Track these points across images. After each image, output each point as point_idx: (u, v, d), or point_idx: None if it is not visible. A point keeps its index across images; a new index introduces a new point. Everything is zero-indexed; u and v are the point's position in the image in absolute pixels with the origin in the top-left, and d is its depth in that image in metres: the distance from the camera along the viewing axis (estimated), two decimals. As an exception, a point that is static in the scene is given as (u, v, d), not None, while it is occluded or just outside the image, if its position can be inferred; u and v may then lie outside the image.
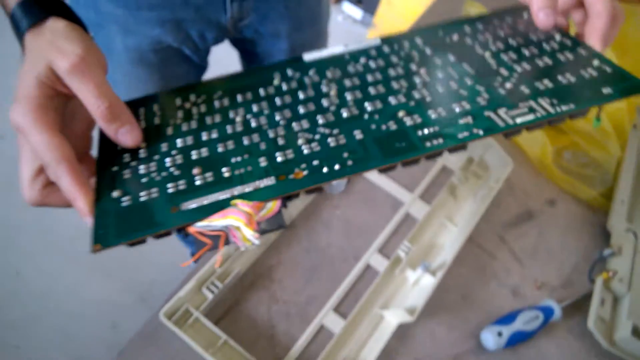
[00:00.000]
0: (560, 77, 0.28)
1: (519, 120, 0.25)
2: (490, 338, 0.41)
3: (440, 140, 0.24)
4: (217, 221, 0.21)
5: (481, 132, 0.25)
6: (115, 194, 0.23)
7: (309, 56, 0.31)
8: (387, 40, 0.32)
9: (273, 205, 0.22)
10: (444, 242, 0.46)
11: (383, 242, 0.46)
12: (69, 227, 1.14)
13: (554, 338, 0.43)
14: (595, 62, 0.28)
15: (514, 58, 0.30)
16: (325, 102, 0.27)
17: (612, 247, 0.47)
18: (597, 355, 0.43)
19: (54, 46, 0.24)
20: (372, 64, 0.30)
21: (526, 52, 0.30)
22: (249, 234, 0.21)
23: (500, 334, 0.41)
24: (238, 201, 0.22)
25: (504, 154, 0.48)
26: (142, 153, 0.26)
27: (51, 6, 0.26)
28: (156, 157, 0.25)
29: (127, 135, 0.25)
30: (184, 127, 0.27)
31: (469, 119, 0.25)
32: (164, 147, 0.26)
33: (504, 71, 0.28)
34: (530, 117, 0.25)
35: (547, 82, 0.27)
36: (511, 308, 0.44)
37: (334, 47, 0.32)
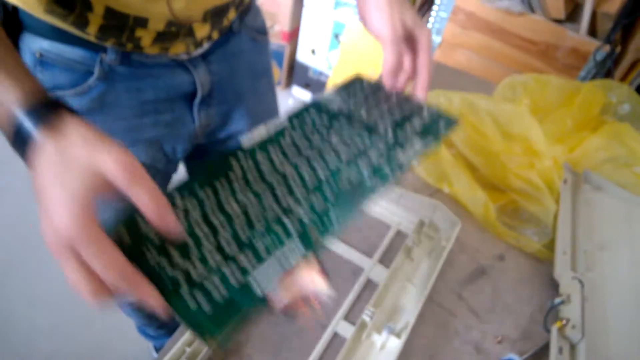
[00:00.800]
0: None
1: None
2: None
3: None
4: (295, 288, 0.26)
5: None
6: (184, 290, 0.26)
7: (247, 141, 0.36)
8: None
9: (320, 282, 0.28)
10: (406, 303, 0.48)
11: (348, 308, 0.47)
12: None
13: (521, 391, 0.44)
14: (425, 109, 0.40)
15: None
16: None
17: (561, 295, 0.50)
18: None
19: (95, 151, 0.24)
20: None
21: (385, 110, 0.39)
22: (322, 286, 0.26)
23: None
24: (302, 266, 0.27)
25: (451, 215, 0.52)
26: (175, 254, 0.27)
27: (57, 107, 0.27)
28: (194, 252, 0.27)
29: (175, 228, 0.26)
30: (193, 220, 0.29)
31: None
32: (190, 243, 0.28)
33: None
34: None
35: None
36: (477, 365, 0.45)
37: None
